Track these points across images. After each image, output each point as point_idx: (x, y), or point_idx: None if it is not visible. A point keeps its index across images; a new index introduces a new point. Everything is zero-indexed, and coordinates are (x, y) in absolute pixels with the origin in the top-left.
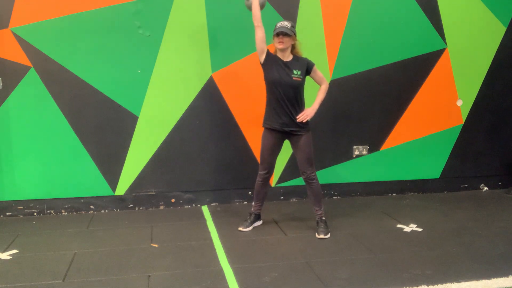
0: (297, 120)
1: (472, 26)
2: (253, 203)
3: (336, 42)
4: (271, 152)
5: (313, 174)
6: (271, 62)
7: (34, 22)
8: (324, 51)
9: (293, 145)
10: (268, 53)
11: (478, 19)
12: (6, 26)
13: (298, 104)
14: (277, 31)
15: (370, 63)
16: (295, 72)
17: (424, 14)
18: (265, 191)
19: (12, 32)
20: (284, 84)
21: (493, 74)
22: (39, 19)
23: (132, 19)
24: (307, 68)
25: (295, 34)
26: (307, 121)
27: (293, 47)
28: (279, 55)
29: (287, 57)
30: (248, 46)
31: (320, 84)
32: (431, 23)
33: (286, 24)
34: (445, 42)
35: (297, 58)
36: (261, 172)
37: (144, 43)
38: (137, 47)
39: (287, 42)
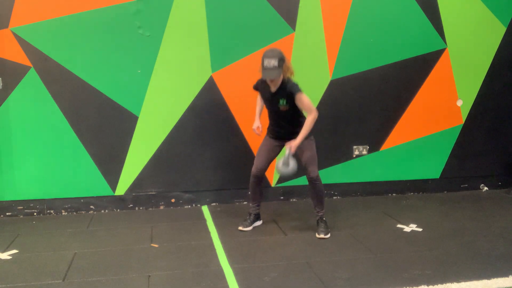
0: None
1: (472, 26)
2: (250, 204)
3: (336, 42)
4: (265, 154)
5: (316, 175)
6: (261, 91)
7: (34, 22)
8: (324, 51)
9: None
10: (257, 87)
11: (478, 19)
12: (6, 26)
13: (294, 120)
14: (264, 76)
15: (370, 63)
16: (280, 102)
17: (424, 14)
18: (260, 191)
19: (12, 32)
20: (274, 110)
21: (493, 74)
22: (39, 19)
23: (132, 19)
24: (291, 97)
25: (283, 64)
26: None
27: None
28: (270, 84)
29: (275, 86)
30: (248, 46)
31: (307, 114)
32: (431, 23)
33: (273, 63)
34: (445, 42)
35: (283, 86)
36: (253, 170)
37: (144, 43)
38: (137, 47)
39: (276, 80)
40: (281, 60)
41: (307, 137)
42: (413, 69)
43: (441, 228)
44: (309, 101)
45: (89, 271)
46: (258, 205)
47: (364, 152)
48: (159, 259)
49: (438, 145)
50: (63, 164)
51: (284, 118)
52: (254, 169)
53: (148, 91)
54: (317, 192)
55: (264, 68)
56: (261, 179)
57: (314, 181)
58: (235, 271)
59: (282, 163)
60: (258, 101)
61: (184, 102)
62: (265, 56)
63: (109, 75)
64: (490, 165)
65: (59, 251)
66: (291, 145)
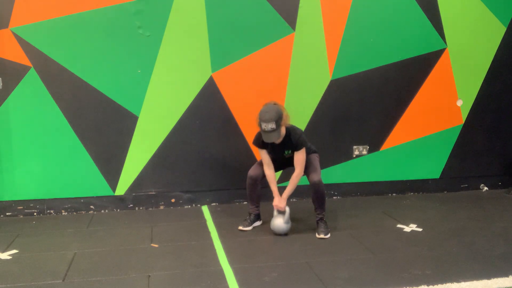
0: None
1: (472, 26)
2: (249, 205)
3: (336, 42)
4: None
5: (318, 179)
6: (265, 144)
7: (34, 22)
8: (324, 51)
9: None
10: (262, 143)
11: (478, 19)
12: (6, 26)
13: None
14: (266, 140)
15: (370, 63)
16: (286, 152)
17: (424, 14)
18: (257, 193)
19: (12, 32)
20: (278, 157)
21: (493, 74)
22: (39, 19)
23: (132, 19)
24: (295, 149)
25: (281, 122)
26: (312, 149)
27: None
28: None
29: (278, 139)
30: (248, 46)
31: (295, 167)
32: (431, 23)
33: (271, 126)
34: (445, 42)
35: (288, 137)
36: (250, 172)
37: (144, 43)
38: (137, 47)
39: (277, 140)
40: (278, 120)
41: (310, 153)
42: (413, 69)
43: (441, 228)
44: (304, 159)
45: (89, 271)
46: (257, 206)
47: (364, 152)
48: (159, 259)
49: (438, 145)
50: (63, 164)
51: (288, 160)
52: (251, 171)
53: (148, 91)
54: (318, 196)
55: (263, 131)
56: (258, 182)
57: (317, 185)
58: (235, 271)
59: (285, 222)
60: (266, 170)
61: (184, 102)
62: (262, 119)
63: (109, 75)
64: (490, 165)
65: (59, 251)
66: (281, 206)
